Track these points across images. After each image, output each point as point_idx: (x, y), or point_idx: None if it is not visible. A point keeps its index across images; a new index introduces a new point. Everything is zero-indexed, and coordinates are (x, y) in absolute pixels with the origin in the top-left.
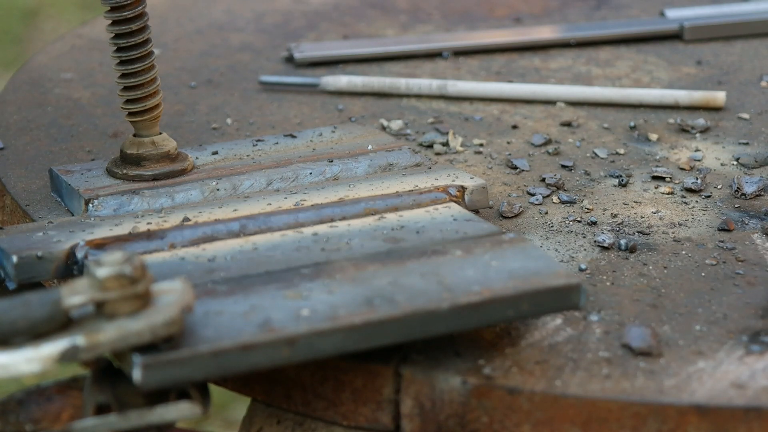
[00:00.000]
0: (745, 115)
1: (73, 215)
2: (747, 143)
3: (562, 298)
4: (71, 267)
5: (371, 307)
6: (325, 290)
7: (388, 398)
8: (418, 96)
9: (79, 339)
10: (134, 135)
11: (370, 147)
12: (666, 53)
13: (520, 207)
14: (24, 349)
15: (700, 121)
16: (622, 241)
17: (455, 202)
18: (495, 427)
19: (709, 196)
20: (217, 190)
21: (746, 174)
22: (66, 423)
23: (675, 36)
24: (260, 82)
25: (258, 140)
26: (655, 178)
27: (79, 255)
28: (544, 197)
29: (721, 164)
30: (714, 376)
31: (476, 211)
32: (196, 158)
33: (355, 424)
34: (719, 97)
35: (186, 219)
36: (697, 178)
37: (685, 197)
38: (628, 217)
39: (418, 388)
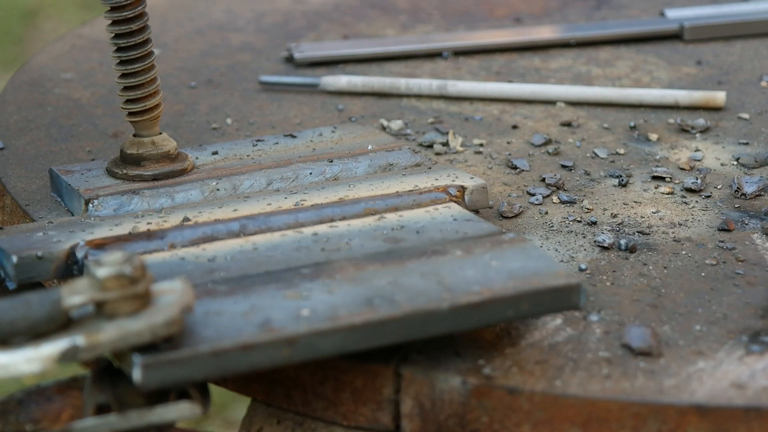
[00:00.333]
0: (745, 115)
1: (73, 215)
2: (747, 143)
3: (562, 298)
4: (71, 267)
5: (371, 307)
6: (325, 290)
7: (388, 398)
8: (418, 96)
9: (79, 339)
10: (134, 135)
11: (370, 147)
12: (666, 53)
13: (520, 207)
14: (24, 349)
15: (700, 121)
16: (622, 241)
17: (455, 202)
18: (495, 427)
19: (709, 196)
20: (217, 190)
21: (746, 174)
22: (66, 423)
23: (675, 36)
24: (260, 82)
25: (258, 140)
26: (655, 178)
27: (79, 255)
28: (544, 197)
29: (721, 164)
30: (714, 376)
31: (476, 211)
32: (196, 158)
33: (355, 424)
34: (719, 97)
35: (186, 219)
36: (697, 178)
37: (685, 197)
38: (628, 217)
39: (418, 388)
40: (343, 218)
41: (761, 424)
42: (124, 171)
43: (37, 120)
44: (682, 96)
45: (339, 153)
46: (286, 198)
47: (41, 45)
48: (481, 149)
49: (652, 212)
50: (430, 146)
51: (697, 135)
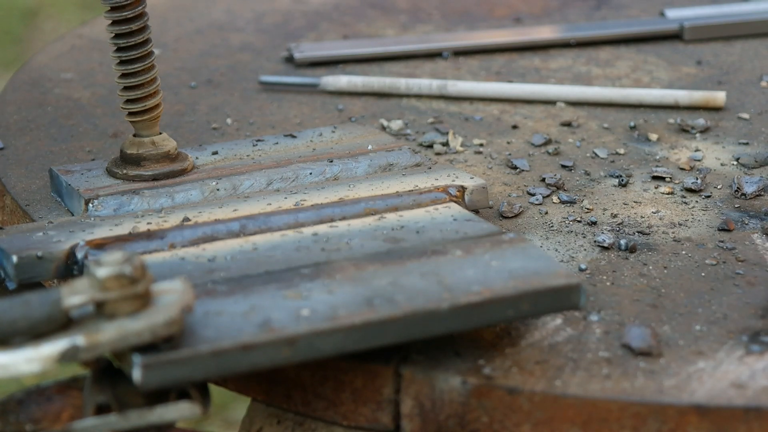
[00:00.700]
0: (745, 115)
1: (73, 215)
2: (747, 143)
3: (562, 298)
4: (71, 267)
5: (371, 307)
6: (325, 290)
7: (388, 398)
8: (418, 96)
9: (79, 339)
10: (134, 135)
11: (370, 147)
12: (666, 53)
13: (520, 207)
14: (24, 349)
15: (700, 121)
16: (622, 241)
17: (455, 202)
18: (495, 427)
19: (709, 196)
20: (217, 190)
21: (746, 174)
22: (66, 423)
23: (675, 36)
24: (260, 82)
25: (258, 140)
26: (655, 178)
27: (79, 255)
28: (544, 197)
29: (721, 164)
30: (714, 376)
31: (476, 211)
32: (196, 158)
33: (355, 424)
34: (719, 97)
35: (186, 219)
36: (697, 178)
37: (685, 197)
38: (628, 217)
39: (418, 388)
40: (343, 218)
41: (761, 424)
42: (124, 171)
43: (37, 120)
44: (682, 96)
45: (339, 153)
46: (286, 198)
47: (41, 45)
48: (481, 149)
49: (652, 212)
50: (430, 146)
51: (697, 135)
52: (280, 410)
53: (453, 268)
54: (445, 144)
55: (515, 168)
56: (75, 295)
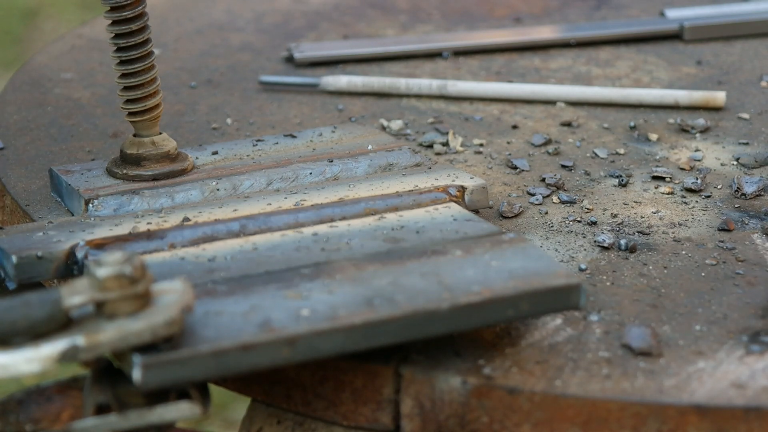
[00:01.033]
0: (745, 115)
1: (73, 215)
2: (747, 143)
3: (562, 298)
4: (71, 267)
5: (371, 307)
6: (325, 290)
7: (388, 398)
8: (418, 96)
9: (79, 339)
10: (134, 135)
11: (370, 147)
12: (666, 53)
13: (520, 207)
14: (24, 349)
15: (700, 121)
16: (622, 241)
17: (455, 202)
18: (495, 427)
19: (709, 196)
20: (217, 190)
21: (746, 174)
22: (66, 423)
23: (675, 36)
24: (260, 82)
25: (258, 140)
26: (655, 178)
27: (79, 255)
28: (544, 197)
29: (721, 164)
30: (714, 376)
31: (476, 211)
32: (196, 158)
33: (355, 424)
34: (719, 97)
35: (186, 219)
36: (697, 178)
37: (685, 197)
38: (628, 217)
39: (418, 388)
40: (343, 218)
41: (761, 424)
42: (124, 171)
43: (37, 120)
44: (682, 96)
45: (339, 153)
46: (286, 198)
47: (41, 45)
48: (481, 149)
49: (652, 212)
50: (430, 146)
51: (697, 135)
52: (280, 410)
53: (453, 268)
54: (445, 144)
55: (515, 168)
56: (75, 295)
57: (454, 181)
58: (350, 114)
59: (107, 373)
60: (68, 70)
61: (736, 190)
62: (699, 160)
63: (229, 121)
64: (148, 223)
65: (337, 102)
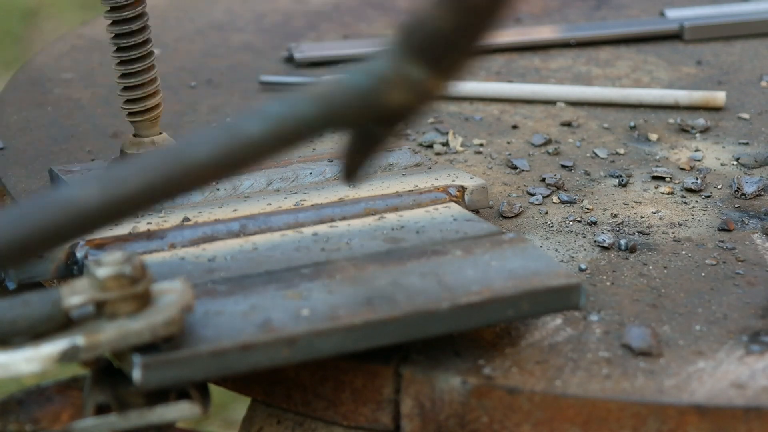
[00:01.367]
0: (745, 115)
1: None
2: (747, 143)
3: (562, 298)
4: (71, 267)
5: (371, 307)
6: (325, 290)
7: (388, 398)
8: None
9: (79, 339)
10: (134, 135)
11: None
12: (666, 53)
13: (520, 207)
14: (24, 348)
15: (700, 121)
16: (622, 241)
17: (455, 202)
18: (495, 427)
19: (709, 196)
20: (217, 190)
21: (746, 174)
22: (66, 423)
23: (675, 36)
24: (260, 82)
25: None
26: (655, 178)
27: (79, 255)
28: (544, 197)
29: (721, 164)
30: (714, 376)
31: (476, 211)
32: None
33: (355, 424)
34: (719, 97)
35: (186, 219)
36: (697, 178)
37: (685, 197)
38: (628, 217)
39: (418, 388)
40: (343, 218)
41: (761, 424)
42: None
43: (37, 120)
44: (682, 96)
45: (339, 153)
46: (286, 198)
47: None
48: (481, 149)
49: (652, 212)
50: (430, 146)
51: (697, 135)
52: (280, 410)
53: (453, 268)
54: (445, 144)
55: (515, 168)
56: (75, 295)
57: (454, 181)
58: None
59: (107, 373)
60: (68, 70)
61: (736, 190)
62: (699, 160)
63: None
64: (148, 223)
65: None
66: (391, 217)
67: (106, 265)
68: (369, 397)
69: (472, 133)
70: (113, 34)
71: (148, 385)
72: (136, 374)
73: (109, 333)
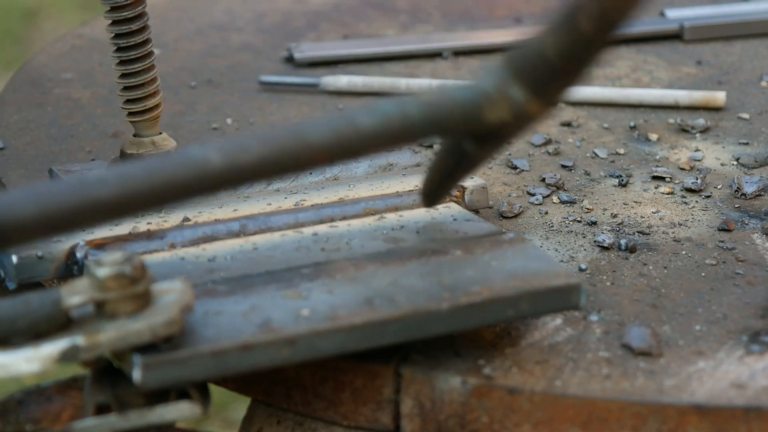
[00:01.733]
0: (745, 115)
1: None
2: (747, 143)
3: (562, 298)
4: (71, 267)
5: (371, 307)
6: (325, 290)
7: (388, 398)
8: None
9: (79, 339)
10: (134, 135)
11: None
12: (666, 53)
13: (520, 207)
14: (24, 348)
15: (700, 121)
16: (622, 241)
17: (455, 201)
18: (495, 427)
19: (709, 196)
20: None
21: (746, 174)
22: (66, 423)
23: (675, 36)
24: (260, 82)
25: None
26: (655, 178)
27: (79, 255)
28: (544, 197)
29: (721, 164)
30: (714, 376)
31: (476, 211)
32: None
33: (355, 424)
34: (719, 97)
35: (186, 219)
36: (697, 178)
37: (685, 197)
38: (628, 217)
39: (418, 388)
40: (343, 218)
41: (761, 424)
42: None
43: (37, 120)
44: (682, 96)
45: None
46: (286, 198)
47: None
48: None
49: (652, 212)
50: (431, 146)
51: (697, 135)
52: (280, 410)
53: (453, 268)
54: None
55: (515, 168)
56: (75, 295)
57: None
58: None
59: (107, 373)
60: (68, 70)
61: (736, 190)
62: (699, 160)
63: (229, 121)
64: (148, 223)
65: (337, 102)
66: (391, 217)
67: (106, 265)
68: (369, 397)
69: None
70: (113, 34)
71: (148, 385)
72: (136, 374)
73: (109, 333)
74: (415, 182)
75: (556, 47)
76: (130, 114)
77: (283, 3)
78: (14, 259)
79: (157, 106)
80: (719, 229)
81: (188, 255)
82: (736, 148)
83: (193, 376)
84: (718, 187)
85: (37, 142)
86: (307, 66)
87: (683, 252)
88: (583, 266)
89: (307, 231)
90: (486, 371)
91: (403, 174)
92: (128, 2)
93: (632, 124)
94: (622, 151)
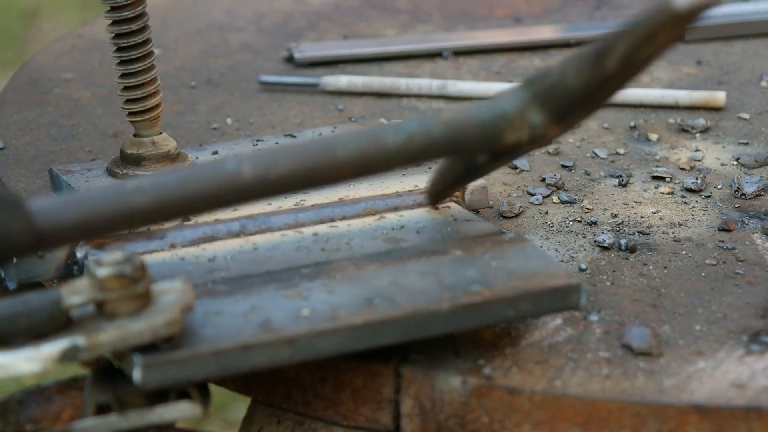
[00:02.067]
0: (745, 115)
1: None
2: (747, 143)
3: (562, 298)
4: (71, 267)
5: (371, 307)
6: (325, 290)
7: (388, 398)
8: (418, 96)
9: (79, 339)
10: (134, 135)
11: None
12: (666, 53)
13: (520, 207)
14: (24, 348)
15: (700, 121)
16: (622, 241)
17: (455, 202)
18: (495, 427)
19: (709, 196)
20: None
21: (746, 174)
22: (66, 423)
23: None
24: (260, 82)
25: (258, 140)
26: (655, 178)
27: (79, 255)
28: (544, 197)
29: (721, 164)
30: (714, 376)
31: (476, 211)
32: (196, 158)
33: (355, 424)
34: (719, 97)
35: (186, 219)
36: (697, 178)
37: (685, 197)
38: (628, 217)
39: (418, 388)
40: (343, 218)
41: (761, 424)
42: (125, 171)
43: (37, 120)
44: (682, 96)
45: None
46: (286, 198)
47: (41, 45)
48: None
49: (652, 212)
50: None
51: (697, 135)
52: (280, 410)
53: (453, 268)
54: None
55: (515, 168)
56: (75, 295)
57: None
58: (350, 114)
59: (107, 373)
60: (68, 70)
61: (736, 190)
62: (699, 160)
63: (229, 121)
64: None
65: (337, 102)
66: (392, 217)
67: (107, 265)
68: (369, 397)
69: None
70: (113, 34)
71: (149, 385)
72: (137, 374)
73: (110, 333)
74: (415, 182)
75: (579, 79)
76: (130, 114)
77: (283, 3)
78: (14, 259)
79: (157, 106)
80: (719, 229)
81: (188, 255)
82: (736, 148)
83: (193, 376)
84: (718, 187)
85: (37, 142)
86: (307, 66)
87: (683, 252)
88: (583, 266)
89: (307, 231)
90: (486, 371)
91: (403, 174)
92: (128, 2)
93: (632, 124)
94: (622, 151)
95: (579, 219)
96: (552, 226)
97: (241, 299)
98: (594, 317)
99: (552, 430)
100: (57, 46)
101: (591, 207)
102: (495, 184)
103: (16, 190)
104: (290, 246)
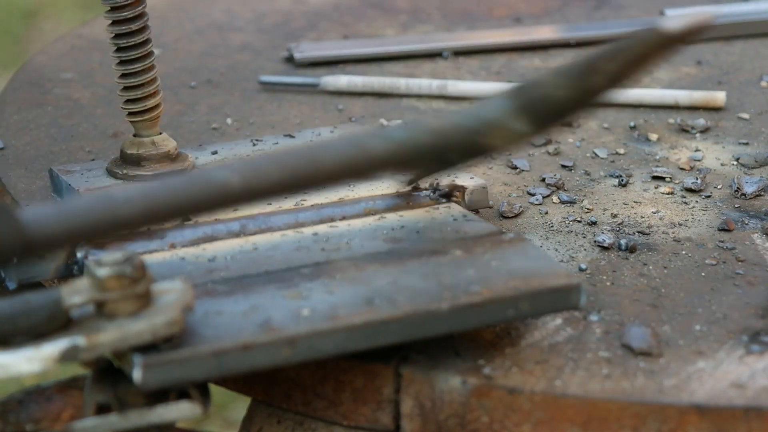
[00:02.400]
0: (745, 115)
1: None
2: (747, 143)
3: (562, 298)
4: (71, 267)
5: (371, 307)
6: (325, 290)
7: (388, 398)
8: (418, 96)
9: (79, 339)
10: (134, 135)
11: None
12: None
13: (520, 207)
14: (24, 348)
15: (700, 121)
16: (622, 241)
17: (455, 202)
18: (495, 427)
19: (709, 196)
20: None
21: (746, 174)
22: (66, 423)
23: None
24: (260, 82)
25: (257, 140)
26: (655, 178)
27: (79, 255)
28: (544, 197)
29: (721, 164)
30: (714, 376)
31: (476, 211)
32: (196, 158)
33: (355, 424)
34: (719, 97)
35: (186, 219)
36: (697, 178)
37: (685, 197)
38: (628, 217)
39: (418, 388)
40: (343, 218)
41: (761, 424)
42: (125, 171)
43: (37, 120)
44: (682, 96)
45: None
46: (286, 198)
47: (41, 45)
48: None
49: (652, 212)
50: None
51: (697, 135)
52: (280, 410)
53: (453, 268)
54: None
55: (515, 168)
56: (75, 295)
57: (454, 180)
58: (350, 114)
59: (107, 373)
60: (68, 70)
61: (736, 190)
62: (699, 160)
63: (229, 121)
64: None
65: (337, 102)
66: (391, 217)
67: (107, 265)
68: (369, 397)
69: None
70: (113, 34)
71: (149, 385)
72: (137, 374)
73: (110, 333)
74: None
75: (565, 92)
76: (130, 114)
77: (283, 3)
78: (14, 258)
79: (157, 106)
80: (719, 229)
81: (188, 255)
82: (736, 148)
83: (193, 376)
84: (718, 187)
85: (37, 142)
86: (307, 66)
87: (683, 252)
88: (583, 266)
89: (307, 231)
90: (486, 371)
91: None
92: (128, 2)
93: (632, 124)
94: (622, 151)
95: (579, 219)
96: (552, 226)
97: (241, 299)
98: (594, 317)
99: (552, 430)
100: (57, 46)
101: (591, 207)
102: (495, 184)
103: (11, 193)
104: (290, 246)
